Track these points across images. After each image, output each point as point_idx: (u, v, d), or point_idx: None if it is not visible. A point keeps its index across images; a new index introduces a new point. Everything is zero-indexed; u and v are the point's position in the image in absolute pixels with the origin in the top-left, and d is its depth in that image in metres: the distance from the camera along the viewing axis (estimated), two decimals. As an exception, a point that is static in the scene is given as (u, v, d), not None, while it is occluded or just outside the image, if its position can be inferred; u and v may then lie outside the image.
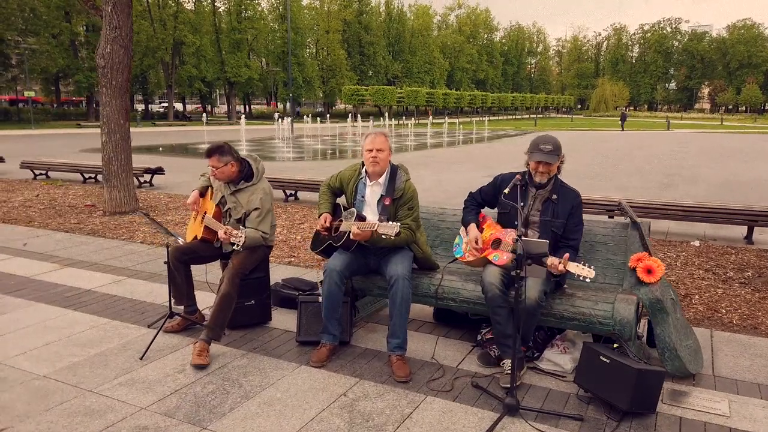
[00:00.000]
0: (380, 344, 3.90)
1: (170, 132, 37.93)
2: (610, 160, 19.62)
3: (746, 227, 7.21)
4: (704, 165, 18.04)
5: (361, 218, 3.71)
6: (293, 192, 10.34)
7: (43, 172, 13.06)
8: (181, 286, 4.06)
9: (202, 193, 4.25)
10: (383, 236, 3.42)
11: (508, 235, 3.52)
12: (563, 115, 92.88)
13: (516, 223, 3.56)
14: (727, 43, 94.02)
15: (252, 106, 77.52)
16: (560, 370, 3.45)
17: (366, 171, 3.81)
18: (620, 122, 46.08)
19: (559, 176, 3.62)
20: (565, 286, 3.66)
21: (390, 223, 3.41)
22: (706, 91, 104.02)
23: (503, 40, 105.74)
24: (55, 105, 57.61)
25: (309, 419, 2.96)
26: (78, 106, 64.61)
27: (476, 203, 3.87)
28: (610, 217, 7.46)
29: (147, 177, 11.99)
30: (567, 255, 3.24)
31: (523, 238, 2.94)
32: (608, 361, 3.01)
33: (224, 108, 76.16)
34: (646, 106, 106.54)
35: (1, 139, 27.46)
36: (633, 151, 24.05)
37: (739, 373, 3.48)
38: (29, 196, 10.28)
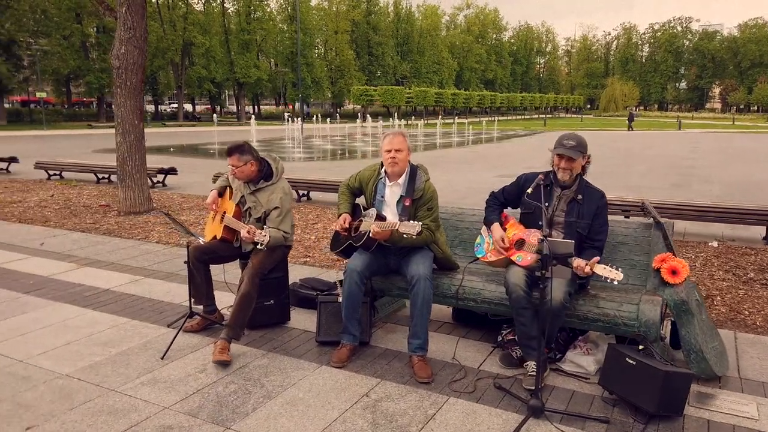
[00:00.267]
0: (400, 345, 3.88)
1: (180, 132, 38.13)
2: (622, 159, 19.50)
3: (765, 228, 7.13)
4: (717, 165, 17.88)
5: (381, 218, 3.70)
6: (306, 192, 10.34)
7: (57, 172, 13.15)
8: (201, 286, 4.06)
9: (221, 193, 4.25)
10: (404, 235, 3.40)
11: (532, 236, 3.49)
12: (573, 115, 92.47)
13: (540, 223, 3.53)
14: (739, 42, 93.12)
15: (261, 107, 77.75)
16: (583, 372, 3.42)
17: (385, 171, 3.79)
18: (627, 122, 45.71)
19: (584, 176, 3.58)
20: (588, 287, 3.63)
21: (411, 222, 3.39)
22: (717, 90, 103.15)
23: (512, 40, 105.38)
24: (66, 106, 58.04)
25: (332, 420, 2.95)
26: (89, 107, 65.05)
27: (499, 203, 3.83)
28: (626, 217, 7.40)
29: (160, 177, 12.04)
30: (596, 258, 3.20)
31: (548, 238, 2.90)
32: (634, 363, 2.98)
33: (233, 109, 76.37)
34: (656, 106, 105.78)
35: (14, 140, 27.71)
36: (644, 150, 23.89)
37: (767, 376, 3.43)
38: (44, 196, 10.35)
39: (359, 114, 54.16)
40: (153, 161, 14.30)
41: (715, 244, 6.86)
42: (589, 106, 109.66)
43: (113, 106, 8.69)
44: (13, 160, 14.34)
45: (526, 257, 3.46)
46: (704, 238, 7.28)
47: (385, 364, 3.60)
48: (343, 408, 3.07)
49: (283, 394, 3.20)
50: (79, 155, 18.80)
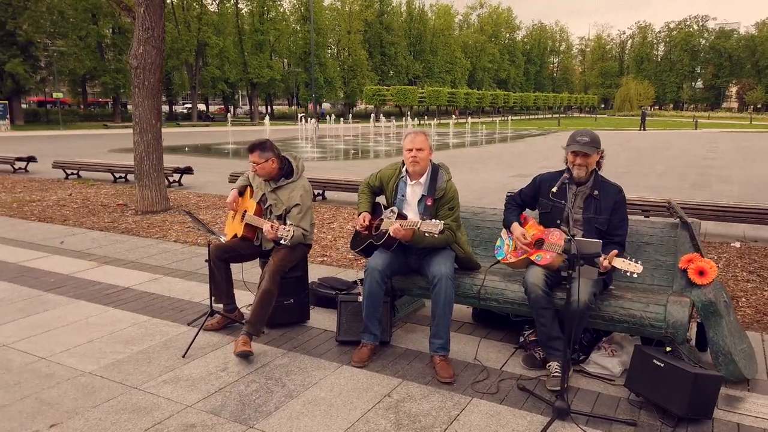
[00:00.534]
0: (420, 344, 3.86)
1: (194, 132, 38.39)
2: (639, 159, 19.30)
3: (788, 228, 7.01)
4: (736, 165, 17.63)
5: (402, 217, 3.67)
6: (321, 191, 10.34)
7: (75, 171, 13.28)
8: (221, 284, 4.06)
9: (241, 193, 4.26)
10: (426, 234, 3.38)
11: (551, 235, 3.46)
12: (587, 115, 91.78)
13: (558, 222, 3.51)
14: (756, 40, 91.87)
15: (273, 107, 78.06)
16: (608, 374, 3.37)
17: (406, 170, 3.76)
18: (640, 121, 45.26)
19: (599, 172, 3.55)
20: (612, 287, 3.58)
21: (433, 220, 3.36)
22: (734, 89, 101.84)
23: (525, 39, 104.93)
24: (82, 106, 58.69)
25: (355, 419, 2.93)
26: (104, 107, 65.71)
27: (516, 204, 3.81)
28: (646, 216, 7.31)
29: (176, 177, 12.11)
30: (615, 252, 3.16)
31: (575, 238, 2.86)
32: (662, 365, 2.92)
33: (246, 109, 76.72)
34: (671, 106, 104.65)
35: (32, 140, 28.06)
36: (661, 150, 23.63)
37: (796, 379, 3.36)
38: (62, 195, 10.45)
39: (372, 114, 54.13)
40: (168, 161, 14.36)
41: (737, 244, 6.75)
42: (603, 106, 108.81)
43: (131, 106, 8.75)
44: (31, 159, 14.51)
45: (545, 256, 3.43)
46: (726, 238, 7.17)
47: (406, 364, 3.58)
48: (365, 408, 3.04)
49: (305, 394, 3.19)
50: (95, 155, 18.97)
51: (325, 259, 6.11)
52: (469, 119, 48.42)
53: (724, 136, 36.53)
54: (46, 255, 6.12)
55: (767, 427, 2.86)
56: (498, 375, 3.43)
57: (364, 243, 3.82)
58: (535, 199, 3.71)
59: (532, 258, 3.49)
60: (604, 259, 3.11)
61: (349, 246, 6.57)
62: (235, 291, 4.20)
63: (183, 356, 3.64)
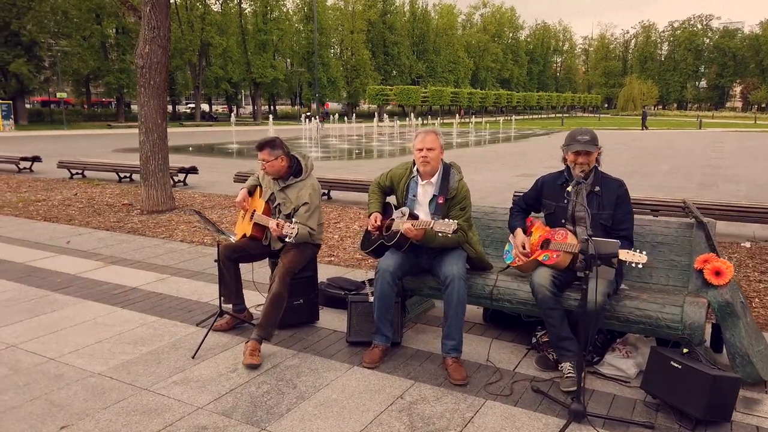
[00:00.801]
0: (431, 345, 3.82)
1: (198, 132, 38.40)
2: (645, 159, 19.23)
3: (799, 228, 6.95)
4: (742, 164, 17.55)
5: (413, 217, 3.63)
6: (326, 191, 10.30)
7: (79, 171, 13.27)
8: (230, 285, 4.03)
9: (251, 192, 4.23)
10: (439, 234, 3.34)
11: (557, 234, 3.44)
12: (590, 114, 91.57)
13: (563, 221, 3.50)
14: (761, 40, 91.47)
15: (277, 107, 78.04)
16: (623, 375, 3.33)
17: (417, 170, 3.72)
18: (641, 121, 45.16)
19: (599, 168, 3.52)
20: (625, 286, 3.54)
21: (446, 220, 3.32)
22: (738, 89, 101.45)
23: (528, 39, 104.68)
24: (86, 106, 58.77)
25: (368, 422, 2.89)
26: (108, 107, 65.83)
27: (521, 209, 3.81)
28: (654, 216, 7.25)
29: (181, 176, 12.09)
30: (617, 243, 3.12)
31: (593, 238, 2.81)
32: (680, 367, 2.88)
33: (249, 108, 76.73)
34: (675, 105, 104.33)
35: (36, 140, 28.10)
36: (666, 150, 23.54)
37: (814, 381, 3.31)
38: (68, 195, 10.44)
39: (376, 113, 54.12)
40: (173, 160, 14.33)
41: (747, 244, 6.69)
42: (606, 106, 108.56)
43: (137, 106, 8.72)
44: (36, 159, 14.51)
45: (552, 256, 3.40)
46: (735, 238, 7.11)
47: (417, 366, 3.54)
48: (378, 410, 3.01)
49: (316, 395, 3.16)
50: (99, 155, 18.99)
51: (332, 259, 6.08)
52: (473, 119, 48.30)
53: (728, 135, 36.40)
54: (53, 255, 6.10)
55: (787, 430, 2.82)
56: (511, 376, 3.39)
57: (375, 243, 3.78)
58: (539, 201, 3.70)
59: (540, 258, 3.46)
60: (617, 260, 3.06)
61: (358, 246, 6.56)
62: (245, 291, 4.17)
63: (193, 357, 3.61)
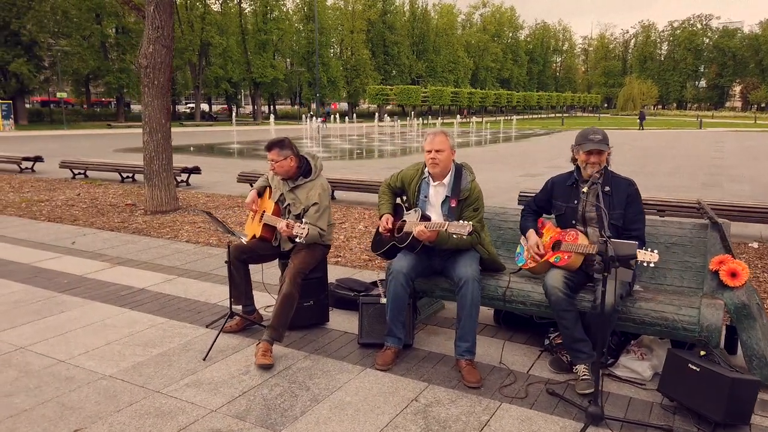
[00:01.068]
0: (443, 347, 3.80)
1: (198, 132, 38.35)
2: (647, 159, 19.21)
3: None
4: (745, 164, 17.54)
5: (425, 218, 3.61)
6: (330, 191, 10.26)
7: (82, 171, 13.24)
8: (240, 286, 4.00)
9: (260, 194, 4.20)
10: (454, 236, 3.31)
11: (568, 235, 3.42)
12: (590, 114, 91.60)
13: (573, 222, 3.48)
14: (760, 39, 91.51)
15: (276, 107, 77.97)
16: (639, 378, 3.30)
17: (428, 171, 3.70)
18: (639, 121, 45.25)
19: (609, 167, 3.49)
20: (637, 287, 3.52)
21: (461, 221, 3.29)
22: (737, 89, 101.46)
23: (528, 39, 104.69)
24: (85, 106, 58.69)
25: (384, 425, 2.87)
26: (107, 107, 65.74)
27: (532, 211, 3.79)
28: (660, 216, 7.22)
29: (184, 176, 12.06)
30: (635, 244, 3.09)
31: (611, 239, 2.79)
32: (698, 370, 2.86)
33: (249, 108, 76.65)
34: (675, 105, 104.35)
35: (36, 140, 28.06)
36: (668, 150, 23.53)
37: (831, 383, 3.28)
38: (71, 195, 10.41)
39: (377, 113, 54.09)
40: (175, 160, 14.35)
41: (755, 245, 6.68)
42: (606, 105, 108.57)
43: (141, 106, 8.69)
44: (38, 159, 14.47)
45: (563, 257, 3.37)
46: (742, 239, 7.09)
47: (430, 368, 3.52)
48: (393, 413, 2.98)
49: (330, 398, 3.13)
50: (101, 155, 18.96)
51: (339, 259, 6.05)
52: (474, 119, 48.29)
53: (729, 135, 36.41)
54: (59, 255, 6.08)
55: (806, 433, 2.79)
56: (525, 379, 3.37)
57: (387, 245, 3.75)
58: (549, 203, 3.68)
59: (551, 260, 3.44)
60: (634, 261, 3.04)
61: (364, 246, 6.54)
62: (254, 293, 4.14)
63: (204, 359, 3.58)
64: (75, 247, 6.46)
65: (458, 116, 55.53)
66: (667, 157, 19.92)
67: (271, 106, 72.94)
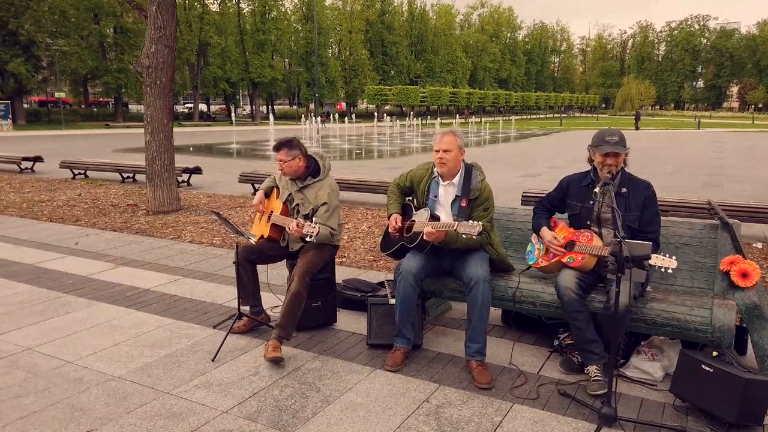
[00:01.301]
0: (452, 348, 3.79)
1: (197, 132, 38.28)
2: (646, 159, 19.23)
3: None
4: (745, 164, 17.57)
5: (434, 218, 3.60)
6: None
7: (82, 171, 13.20)
8: (248, 286, 3.99)
9: (267, 194, 4.19)
10: (463, 236, 3.29)
11: (582, 236, 3.41)
12: (588, 115, 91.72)
13: (588, 223, 3.46)
14: (758, 40, 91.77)
15: (275, 107, 77.88)
16: (650, 378, 3.30)
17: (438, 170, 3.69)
18: (634, 122, 45.42)
19: (626, 169, 3.48)
20: (649, 288, 3.51)
21: (470, 222, 3.28)
22: (734, 89, 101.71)
23: (526, 39, 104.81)
24: (83, 106, 58.55)
25: (396, 426, 2.85)
26: (105, 107, 65.58)
27: (545, 209, 3.76)
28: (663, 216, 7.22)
29: (185, 177, 12.03)
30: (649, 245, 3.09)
31: (626, 240, 2.78)
32: (712, 371, 2.85)
33: (247, 108, 76.58)
34: (672, 105, 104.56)
35: (34, 140, 27.98)
36: (667, 150, 23.56)
37: (842, 384, 3.28)
38: (72, 195, 10.37)
39: (375, 113, 54.10)
40: (175, 161, 14.31)
41: (759, 245, 6.68)
42: (604, 106, 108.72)
43: (143, 106, 8.67)
44: (38, 159, 14.43)
45: (577, 258, 3.36)
46: (746, 239, 7.09)
47: (440, 368, 3.51)
48: (404, 414, 2.97)
49: (341, 399, 3.12)
50: (100, 155, 18.90)
51: (343, 260, 6.04)
52: (473, 119, 48.30)
53: (727, 135, 36.48)
54: (62, 256, 6.05)
55: (819, 433, 2.79)
56: (536, 380, 3.36)
57: (396, 245, 3.74)
58: (564, 201, 3.66)
59: (564, 260, 3.43)
60: (648, 262, 3.03)
61: (368, 247, 6.53)
62: (261, 293, 4.13)
63: (212, 360, 3.56)
64: (78, 248, 6.43)
65: (457, 116, 55.53)
66: (666, 158, 19.95)
67: (270, 107, 72.87)
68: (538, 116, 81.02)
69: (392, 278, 4.07)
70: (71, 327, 4.10)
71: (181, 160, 14.83)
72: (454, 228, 3.31)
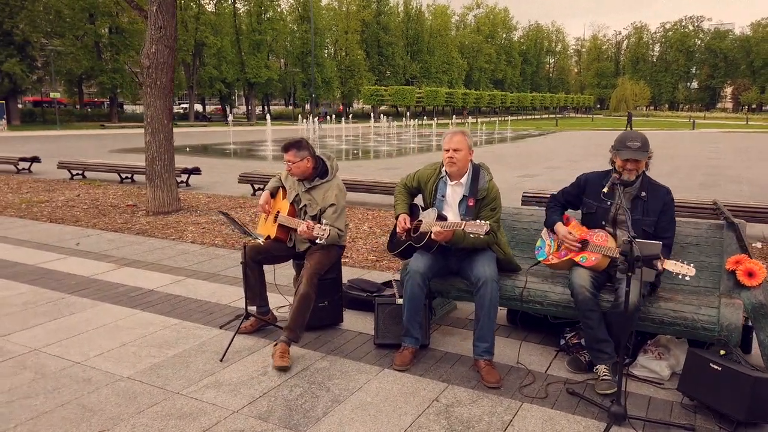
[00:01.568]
0: (459, 347, 3.81)
1: (193, 132, 38.19)
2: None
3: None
4: (741, 165, 17.67)
5: (442, 218, 3.61)
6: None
7: (80, 172, 13.15)
8: (255, 287, 3.99)
9: (273, 194, 4.19)
10: (471, 235, 3.31)
11: (596, 236, 3.42)
12: (583, 115, 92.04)
13: (603, 223, 3.47)
14: (751, 41, 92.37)
15: (270, 107, 77.79)
16: (657, 377, 3.32)
17: (446, 170, 3.70)
18: (627, 122, 45.67)
19: (647, 173, 3.50)
20: (660, 287, 3.53)
21: (478, 221, 3.29)
22: (728, 90, 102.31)
23: (522, 40, 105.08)
24: (78, 106, 58.33)
25: (407, 425, 2.86)
26: (100, 107, 65.35)
27: (559, 204, 3.76)
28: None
29: (184, 177, 12.00)
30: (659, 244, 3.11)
31: (636, 239, 2.80)
32: (720, 369, 2.87)
33: (243, 109, 76.49)
34: (667, 106, 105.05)
35: (30, 140, 27.86)
36: (663, 151, 23.65)
37: None
38: (70, 196, 10.34)
39: (372, 114, 54.11)
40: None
41: (759, 245, 6.73)
42: (599, 106, 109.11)
43: (143, 106, 8.65)
44: (35, 159, 14.36)
45: (590, 258, 3.38)
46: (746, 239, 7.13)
47: (448, 368, 3.52)
48: (415, 413, 2.98)
49: (351, 399, 3.13)
50: (97, 155, 18.86)
51: (346, 260, 6.04)
52: (470, 119, 48.40)
53: (722, 136, 36.68)
54: (64, 256, 6.03)
55: (826, 431, 2.82)
56: (544, 378, 3.38)
57: (403, 245, 3.76)
58: (579, 198, 3.65)
59: (576, 259, 3.44)
60: (658, 261, 3.06)
61: (370, 247, 6.54)
62: (268, 294, 4.13)
63: (221, 360, 3.57)
64: (80, 248, 6.41)
65: (454, 117, 55.58)
66: (663, 158, 20.03)
67: (265, 107, 72.79)
68: (533, 117, 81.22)
69: (399, 278, 4.09)
70: (77, 327, 4.09)
71: (179, 161, 14.79)
72: (462, 227, 3.33)
